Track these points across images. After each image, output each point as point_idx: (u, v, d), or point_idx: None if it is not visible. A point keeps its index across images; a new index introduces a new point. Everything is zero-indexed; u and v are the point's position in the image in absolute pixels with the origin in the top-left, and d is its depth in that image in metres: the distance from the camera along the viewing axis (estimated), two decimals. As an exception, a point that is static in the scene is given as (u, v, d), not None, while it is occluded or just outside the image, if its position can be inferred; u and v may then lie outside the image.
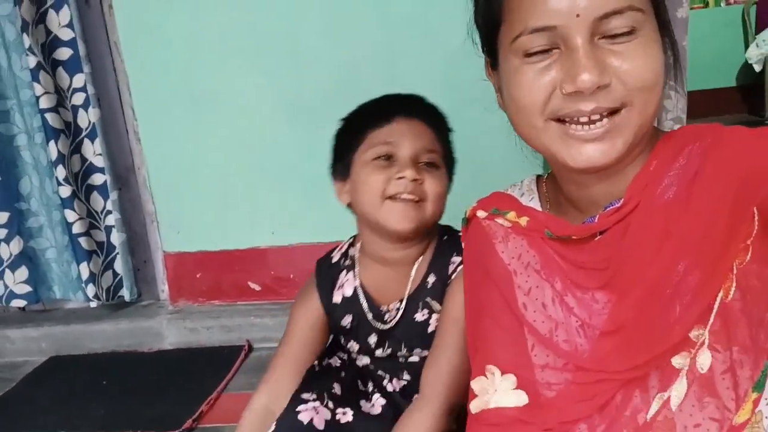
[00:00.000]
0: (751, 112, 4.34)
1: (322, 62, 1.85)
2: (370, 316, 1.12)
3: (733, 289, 0.60)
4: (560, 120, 0.65)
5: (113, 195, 1.98)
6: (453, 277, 1.05)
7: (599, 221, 0.70)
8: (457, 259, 1.05)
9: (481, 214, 0.85)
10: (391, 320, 1.11)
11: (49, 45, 1.89)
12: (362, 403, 1.09)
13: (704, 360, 0.61)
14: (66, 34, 1.89)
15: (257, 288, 2.02)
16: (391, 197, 1.01)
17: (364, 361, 1.17)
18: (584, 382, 0.68)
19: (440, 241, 1.10)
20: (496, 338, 0.77)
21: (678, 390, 0.62)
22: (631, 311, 0.64)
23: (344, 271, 1.17)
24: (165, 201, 2.02)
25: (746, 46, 4.37)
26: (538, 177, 0.87)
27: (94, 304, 2.01)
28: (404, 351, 1.11)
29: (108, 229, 2.03)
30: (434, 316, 1.07)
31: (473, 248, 0.86)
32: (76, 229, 1.96)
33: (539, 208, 0.81)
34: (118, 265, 2.04)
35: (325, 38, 1.84)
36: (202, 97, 1.92)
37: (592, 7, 0.61)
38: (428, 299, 1.08)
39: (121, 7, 1.89)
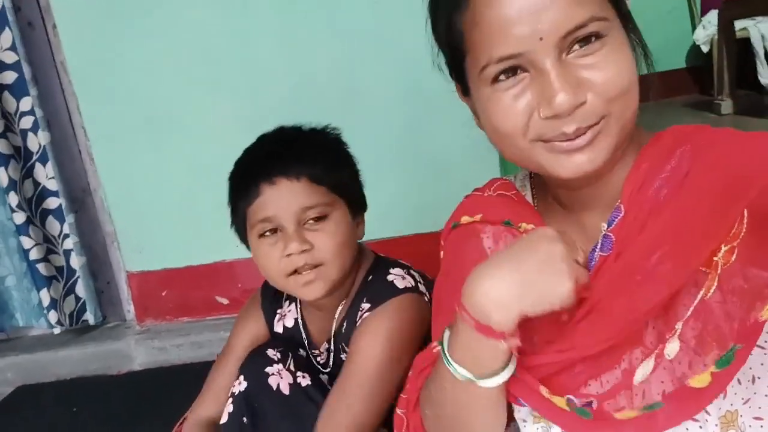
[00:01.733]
0: (702, 92, 4.45)
1: (279, 77, 1.85)
2: (310, 353, 1.13)
3: (713, 287, 0.61)
4: (545, 140, 0.65)
5: (69, 218, 1.94)
6: (358, 324, 1.01)
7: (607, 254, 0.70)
8: (365, 305, 1.01)
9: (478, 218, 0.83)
10: (324, 362, 1.12)
11: (-8, 69, 1.84)
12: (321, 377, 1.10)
13: (672, 348, 0.63)
14: (9, 57, 1.84)
15: (225, 302, 2.00)
16: (292, 273, 0.97)
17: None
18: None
19: (362, 284, 1.07)
20: None
21: (644, 368, 0.64)
22: (601, 292, 0.66)
23: (288, 301, 1.16)
24: (125, 221, 1.99)
25: (693, 29, 4.47)
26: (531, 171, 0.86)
27: (57, 330, 1.98)
28: None
29: (67, 253, 1.99)
30: None
31: (459, 248, 0.84)
32: (34, 255, 1.92)
33: (531, 202, 0.82)
34: (80, 289, 2.00)
35: (281, 54, 1.83)
36: (157, 115, 1.90)
37: (554, 27, 0.60)
38: (343, 344, 1.06)
39: (66, 29, 1.85)
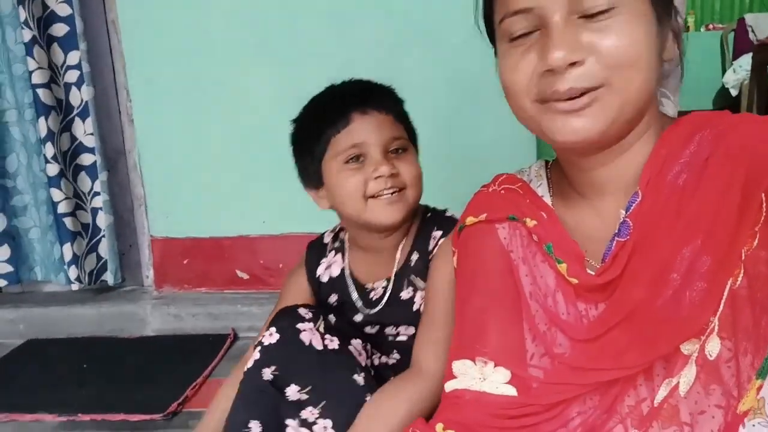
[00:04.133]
0: (726, 135, 4.49)
1: (323, 56, 1.86)
2: (355, 297, 1.15)
3: (741, 275, 0.60)
4: (544, 101, 0.66)
5: (102, 176, 1.95)
6: (435, 251, 1.06)
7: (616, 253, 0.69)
8: (437, 233, 1.07)
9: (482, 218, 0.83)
10: (377, 300, 1.13)
11: (45, 20, 1.86)
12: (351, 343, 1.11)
13: (713, 347, 0.61)
14: (63, 10, 1.86)
15: (245, 277, 2.00)
16: (373, 196, 1.03)
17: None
18: (580, 367, 0.68)
19: (423, 219, 1.13)
20: (494, 330, 0.75)
21: (687, 376, 0.62)
22: (639, 296, 0.64)
23: (333, 252, 1.20)
24: (155, 185, 2.00)
25: (724, 71, 4.50)
26: (547, 162, 0.87)
27: (75, 286, 1.97)
28: (391, 329, 1.13)
29: (94, 211, 1.99)
30: (418, 294, 1.09)
31: (473, 243, 0.84)
32: (62, 209, 1.92)
33: (548, 194, 0.81)
34: (103, 248, 2.00)
35: (327, 32, 1.85)
36: (200, 84, 1.91)
37: None
38: (412, 276, 1.09)
39: (121, -13, 1.87)
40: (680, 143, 0.67)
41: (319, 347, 1.02)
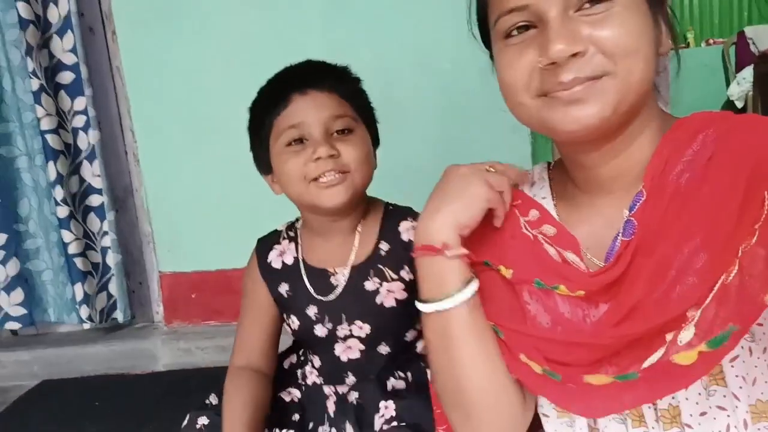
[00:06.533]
0: (735, 147, 4.46)
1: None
2: (308, 285, 1.10)
3: (734, 271, 0.60)
4: (545, 95, 0.66)
5: (110, 216, 2.00)
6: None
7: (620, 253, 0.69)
8: (408, 222, 1.06)
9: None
10: (335, 287, 1.08)
11: (52, 69, 1.94)
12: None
13: (686, 335, 0.61)
14: (69, 59, 1.94)
15: (253, 308, 2.01)
16: (315, 179, 0.99)
17: (311, 378, 1.16)
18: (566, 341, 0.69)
19: (386, 210, 1.11)
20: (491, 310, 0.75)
21: (652, 360, 0.62)
22: (639, 294, 0.64)
23: (287, 240, 1.15)
24: (162, 222, 2.04)
25: (728, 84, 4.49)
26: (549, 164, 0.86)
27: (87, 325, 2.00)
28: (344, 324, 1.08)
29: (104, 251, 2.04)
30: (385, 285, 1.05)
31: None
32: (72, 249, 1.97)
33: (550, 197, 0.81)
34: (113, 287, 2.04)
35: (322, 63, 1.90)
36: (202, 121, 1.97)
37: None
38: (380, 266, 1.06)
39: (124, 34, 1.95)
40: (684, 142, 0.67)
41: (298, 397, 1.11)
